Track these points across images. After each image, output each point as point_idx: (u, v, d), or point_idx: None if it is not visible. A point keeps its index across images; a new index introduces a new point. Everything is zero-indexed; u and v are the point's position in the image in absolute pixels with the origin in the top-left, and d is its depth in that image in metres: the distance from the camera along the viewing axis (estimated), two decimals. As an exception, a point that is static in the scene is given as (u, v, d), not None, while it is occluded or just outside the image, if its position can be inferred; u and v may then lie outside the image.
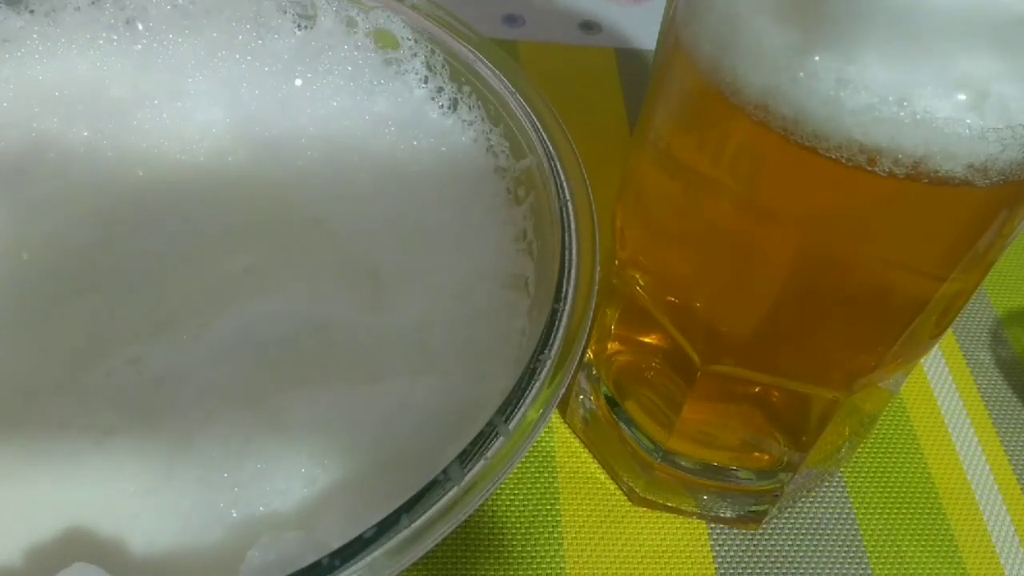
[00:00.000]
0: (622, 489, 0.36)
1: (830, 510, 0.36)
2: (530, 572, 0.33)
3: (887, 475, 0.37)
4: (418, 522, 0.20)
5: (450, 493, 0.20)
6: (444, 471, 0.20)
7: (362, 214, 0.31)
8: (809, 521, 0.36)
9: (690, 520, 0.35)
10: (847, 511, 0.36)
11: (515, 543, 0.33)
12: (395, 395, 0.26)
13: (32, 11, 0.32)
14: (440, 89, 0.33)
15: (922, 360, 0.41)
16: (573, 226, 0.26)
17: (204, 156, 0.32)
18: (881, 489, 0.37)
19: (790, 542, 0.35)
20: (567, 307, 0.24)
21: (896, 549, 0.35)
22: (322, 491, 0.24)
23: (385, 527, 0.19)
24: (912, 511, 0.36)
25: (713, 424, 0.33)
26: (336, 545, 0.19)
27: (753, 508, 0.34)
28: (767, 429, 0.32)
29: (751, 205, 0.24)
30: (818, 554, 0.35)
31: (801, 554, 0.35)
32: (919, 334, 0.27)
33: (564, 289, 0.24)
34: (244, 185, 0.32)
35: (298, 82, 0.33)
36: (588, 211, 0.26)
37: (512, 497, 0.35)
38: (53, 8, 0.32)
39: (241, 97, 0.33)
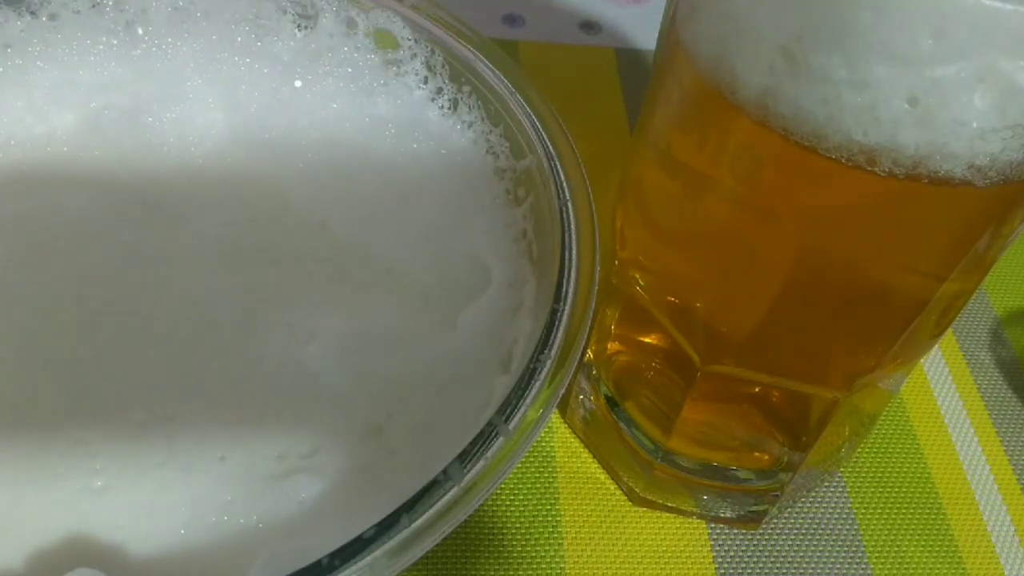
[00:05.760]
0: (622, 489, 0.36)
1: (830, 510, 0.36)
2: (530, 572, 0.33)
3: (887, 475, 0.37)
4: (418, 522, 0.20)
5: (450, 493, 0.20)
6: (444, 471, 0.20)
7: (363, 216, 0.31)
8: (809, 521, 0.36)
9: (690, 520, 0.35)
10: (847, 511, 0.36)
11: (515, 543, 0.33)
12: (394, 394, 0.27)
13: (34, 13, 0.32)
14: (440, 90, 0.33)
15: (922, 360, 0.41)
16: (573, 226, 0.26)
17: (203, 158, 0.32)
18: (881, 489, 0.37)
19: (790, 542, 0.35)
20: (567, 307, 0.24)
21: (896, 549, 0.35)
22: (322, 493, 0.24)
23: (385, 527, 0.19)
24: (912, 511, 0.36)
25: (713, 424, 0.33)
26: (336, 545, 0.19)
27: (753, 508, 0.34)
28: (767, 429, 0.32)
29: (751, 205, 0.24)
30: (818, 554, 0.35)
31: (801, 554, 0.35)
32: (919, 334, 0.27)
33: (564, 289, 0.24)
34: (244, 187, 0.32)
35: (298, 84, 0.33)
36: (588, 211, 0.26)
37: (512, 497, 0.35)
38: (54, 12, 0.32)
39: (240, 99, 0.33)
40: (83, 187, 0.31)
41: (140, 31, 0.33)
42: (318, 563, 0.19)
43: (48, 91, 0.32)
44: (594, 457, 0.36)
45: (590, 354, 0.35)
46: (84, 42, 0.33)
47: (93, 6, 0.33)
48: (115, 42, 0.33)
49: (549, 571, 0.33)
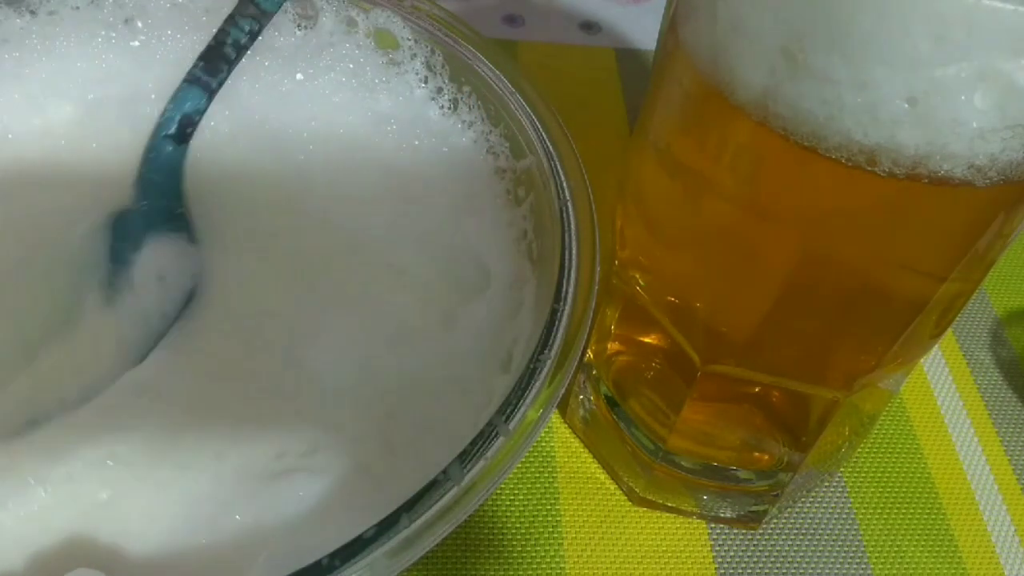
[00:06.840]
0: (622, 489, 0.36)
1: (830, 510, 0.36)
2: (530, 572, 0.33)
3: (887, 475, 0.37)
4: (418, 522, 0.20)
5: (450, 493, 0.20)
6: (444, 471, 0.20)
7: (363, 213, 0.31)
8: (809, 521, 0.36)
9: (690, 520, 0.35)
10: (847, 511, 0.36)
11: (515, 543, 0.33)
12: (394, 393, 0.26)
13: (33, 12, 0.32)
14: (440, 90, 0.33)
15: (922, 360, 0.41)
16: (573, 226, 0.26)
17: (203, 150, 0.32)
18: (881, 489, 0.37)
19: (790, 542, 0.35)
20: (567, 307, 0.24)
21: (896, 549, 0.35)
22: (322, 492, 0.24)
23: (385, 527, 0.19)
24: (912, 511, 0.36)
25: (713, 424, 0.33)
26: (336, 545, 0.19)
27: (753, 508, 0.34)
28: (767, 429, 0.32)
29: (751, 205, 0.24)
30: (818, 554, 0.35)
31: (801, 554, 0.35)
32: (919, 334, 0.27)
33: (564, 289, 0.24)
34: (243, 180, 0.32)
35: (299, 77, 0.33)
36: (588, 211, 0.26)
37: (512, 497, 0.35)
38: (54, 9, 0.32)
39: (241, 91, 0.33)
40: (81, 179, 0.31)
41: (139, 24, 0.33)
42: (318, 563, 0.19)
43: (45, 83, 0.32)
44: (594, 457, 0.36)
45: (590, 354, 0.35)
46: (82, 34, 0.33)
47: (92, 1, 0.33)
48: (113, 34, 0.33)
49: (549, 571, 0.33)
